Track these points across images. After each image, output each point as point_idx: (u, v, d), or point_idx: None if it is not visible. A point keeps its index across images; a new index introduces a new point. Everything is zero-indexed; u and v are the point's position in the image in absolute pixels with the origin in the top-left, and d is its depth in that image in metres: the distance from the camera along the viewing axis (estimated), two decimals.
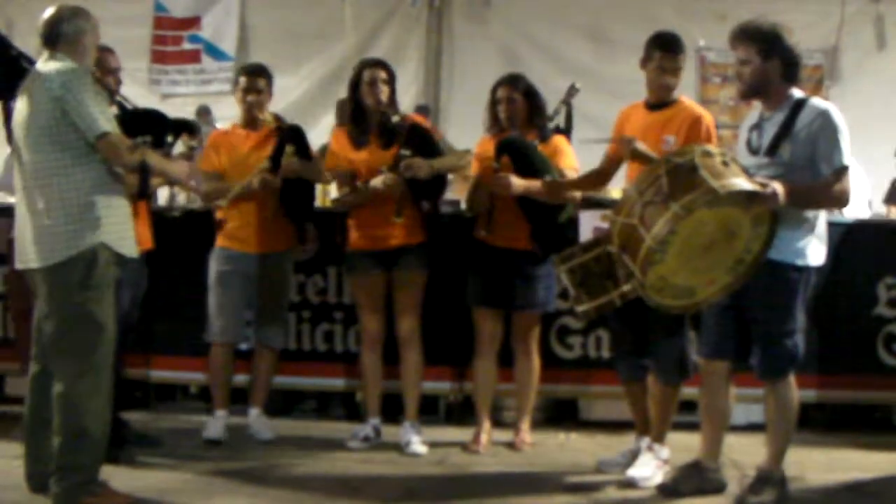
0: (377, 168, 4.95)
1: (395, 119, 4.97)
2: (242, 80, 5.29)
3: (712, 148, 4.01)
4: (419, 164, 4.89)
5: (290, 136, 5.21)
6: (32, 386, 4.16)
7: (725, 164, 3.88)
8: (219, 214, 5.25)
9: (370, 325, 5.17)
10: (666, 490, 4.36)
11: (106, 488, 4.10)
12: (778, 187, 3.83)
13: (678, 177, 3.83)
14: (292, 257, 5.36)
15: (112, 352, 4.11)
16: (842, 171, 3.99)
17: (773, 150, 4.06)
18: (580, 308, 4.36)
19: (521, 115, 4.98)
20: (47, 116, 3.92)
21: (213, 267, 5.24)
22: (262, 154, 5.15)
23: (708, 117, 4.58)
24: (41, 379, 4.13)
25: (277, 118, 5.42)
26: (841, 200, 4.06)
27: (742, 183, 3.81)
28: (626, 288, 4.03)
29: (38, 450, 4.10)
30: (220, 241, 5.26)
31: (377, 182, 4.91)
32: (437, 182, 5.07)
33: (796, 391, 4.20)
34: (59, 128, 3.92)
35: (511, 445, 5.13)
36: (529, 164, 4.85)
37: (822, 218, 4.14)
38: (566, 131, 5.27)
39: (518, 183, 4.78)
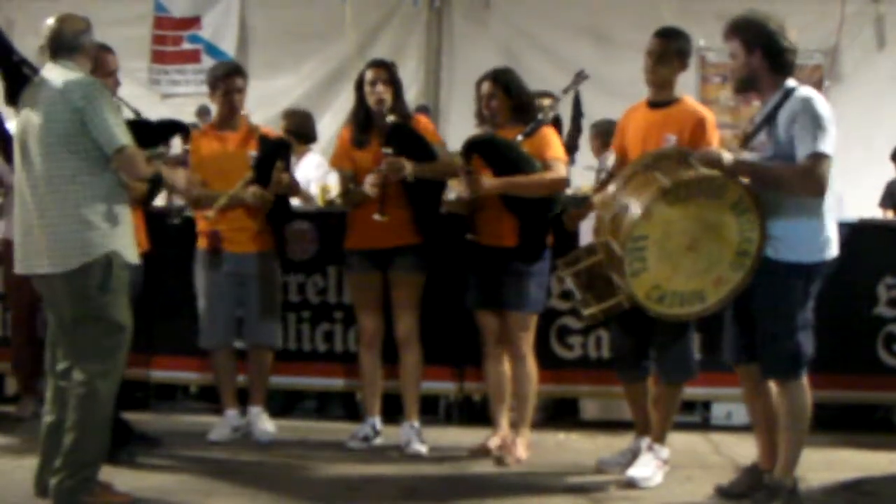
0: (374, 168, 4.95)
1: (388, 119, 4.95)
2: (225, 82, 5.24)
3: (670, 149, 4.06)
4: (399, 165, 4.85)
5: (281, 151, 5.22)
6: (53, 393, 4.18)
7: (683, 161, 3.91)
8: (201, 226, 5.24)
9: (367, 324, 5.16)
10: (723, 493, 4.28)
11: (106, 488, 4.12)
12: (725, 154, 3.82)
13: (635, 184, 3.87)
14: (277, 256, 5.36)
15: (128, 349, 4.16)
16: (815, 157, 3.84)
17: (751, 137, 4.03)
18: (587, 311, 4.36)
19: (503, 111, 4.90)
20: (66, 126, 3.95)
21: (200, 271, 5.25)
22: (244, 153, 5.15)
23: (710, 117, 4.56)
24: (60, 384, 4.15)
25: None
26: (810, 187, 3.88)
27: (692, 173, 3.83)
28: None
29: (54, 456, 4.10)
30: (202, 244, 5.24)
31: (366, 188, 4.91)
32: (430, 185, 5.02)
33: (809, 397, 4.08)
34: (78, 137, 3.96)
35: None
36: (504, 161, 4.77)
37: (823, 213, 4.01)
38: (575, 120, 5.15)
39: (490, 183, 4.73)
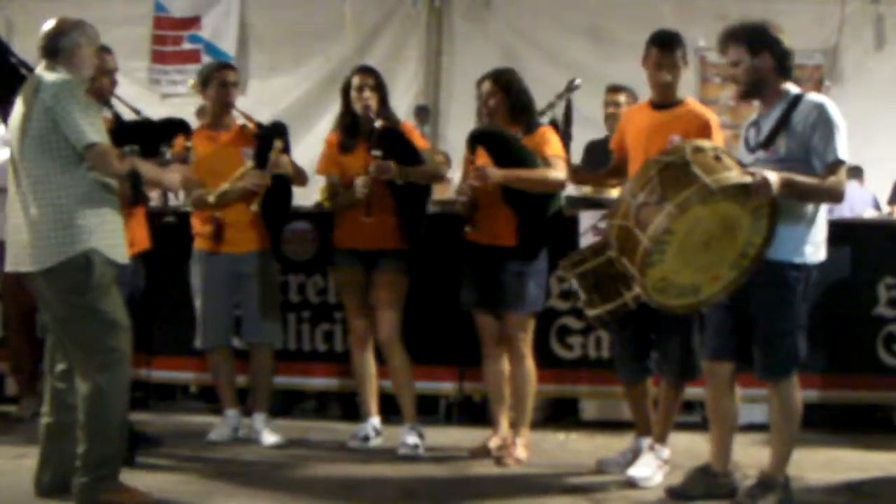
0: (362, 174, 4.95)
1: (377, 123, 4.97)
2: (218, 74, 5.26)
3: (703, 143, 3.98)
4: (386, 167, 4.88)
5: (277, 131, 5.22)
6: (51, 395, 4.20)
7: (717, 158, 3.86)
8: (197, 226, 5.23)
9: (356, 323, 5.17)
10: (674, 494, 4.30)
11: (126, 486, 4.13)
12: (770, 175, 3.78)
13: (670, 175, 3.81)
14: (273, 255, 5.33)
15: (130, 346, 4.15)
16: (835, 165, 3.92)
17: (768, 144, 4.02)
18: (592, 312, 4.33)
19: (501, 111, 4.87)
20: (40, 125, 3.98)
21: (196, 272, 5.24)
22: (237, 151, 5.16)
23: (715, 119, 4.56)
24: (57, 385, 4.17)
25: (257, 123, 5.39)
26: (834, 195, 3.97)
27: (734, 177, 3.79)
28: (638, 290, 4.00)
29: (53, 457, 4.12)
30: (198, 244, 5.24)
31: (356, 190, 4.92)
32: (417, 189, 5.03)
33: (800, 393, 4.14)
34: (51, 136, 3.97)
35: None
36: (508, 153, 4.75)
37: (821, 215, 4.08)
38: (565, 128, 5.16)
39: (496, 173, 4.69)
